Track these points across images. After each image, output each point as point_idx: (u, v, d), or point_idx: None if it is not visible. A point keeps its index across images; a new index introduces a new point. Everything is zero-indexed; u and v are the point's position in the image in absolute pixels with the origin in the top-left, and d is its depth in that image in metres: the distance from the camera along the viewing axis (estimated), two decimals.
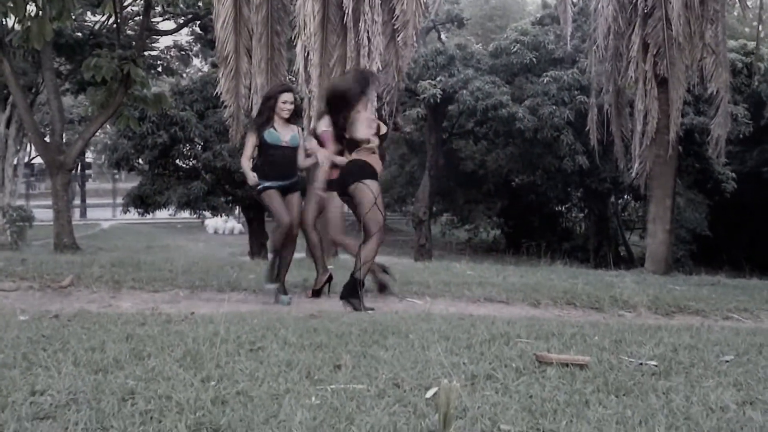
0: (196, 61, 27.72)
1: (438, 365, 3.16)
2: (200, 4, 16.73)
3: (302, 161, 6.10)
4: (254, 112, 9.53)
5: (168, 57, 23.52)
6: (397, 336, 3.87)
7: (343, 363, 3.18)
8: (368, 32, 9.09)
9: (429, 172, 22.21)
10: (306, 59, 9.31)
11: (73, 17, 14.47)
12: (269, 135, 5.94)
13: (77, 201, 37.88)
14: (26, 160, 29.62)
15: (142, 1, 16.30)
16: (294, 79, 10.66)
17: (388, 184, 24.63)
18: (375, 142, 5.76)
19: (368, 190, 5.62)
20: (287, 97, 6.03)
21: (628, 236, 25.81)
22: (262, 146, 5.98)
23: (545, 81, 20.03)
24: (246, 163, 6.10)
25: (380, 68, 9.06)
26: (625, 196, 25.49)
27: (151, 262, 7.73)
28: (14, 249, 15.57)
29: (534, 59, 20.65)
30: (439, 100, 19.88)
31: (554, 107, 19.62)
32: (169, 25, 21.34)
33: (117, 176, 41.41)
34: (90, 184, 47.36)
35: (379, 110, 6.86)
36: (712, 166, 20.18)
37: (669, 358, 3.49)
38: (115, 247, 20.34)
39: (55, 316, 4.51)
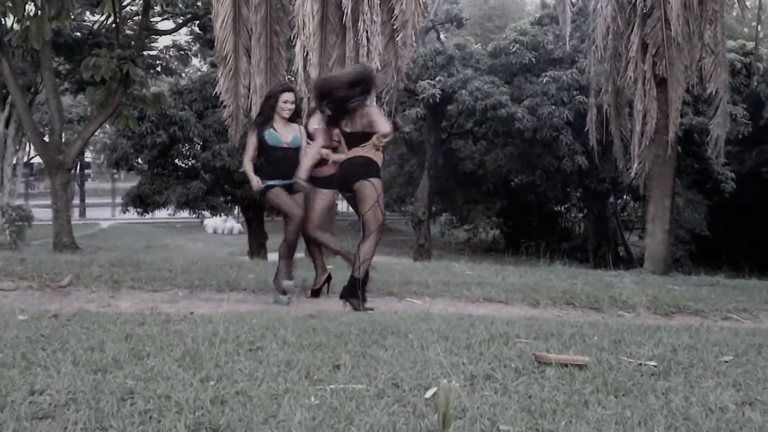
0: (195, 61, 27.70)
1: (437, 365, 3.16)
2: (199, 3, 16.71)
3: (304, 162, 6.06)
4: (254, 112, 9.55)
5: (167, 57, 23.49)
6: (397, 336, 3.87)
7: (342, 363, 3.18)
8: (367, 32, 9.08)
9: (428, 172, 22.20)
10: (305, 59, 9.29)
11: (72, 17, 14.45)
12: (269, 136, 5.92)
13: (76, 200, 37.85)
14: (25, 159, 29.63)
15: (141, 1, 16.29)
16: (293, 78, 10.65)
17: (387, 184, 24.61)
18: (390, 137, 5.78)
19: (373, 189, 5.61)
20: (288, 96, 6.01)
21: (627, 236, 25.82)
22: (263, 147, 5.96)
23: (544, 81, 20.03)
24: (248, 166, 6.06)
25: (379, 68, 9.05)
26: (624, 196, 25.50)
27: (150, 262, 7.73)
28: (13, 248, 15.57)
29: (533, 59, 20.64)
30: (438, 100, 19.88)
31: (553, 107, 19.63)
32: (168, 24, 21.35)
33: (116, 176, 41.40)
34: (89, 184, 47.35)
35: None
36: (711, 167, 20.19)
37: (668, 358, 3.49)
38: (114, 247, 20.35)
39: (54, 315, 4.50)
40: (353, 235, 6.13)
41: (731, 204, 21.47)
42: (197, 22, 20.38)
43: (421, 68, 20.54)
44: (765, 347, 3.91)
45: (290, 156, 5.93)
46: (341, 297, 5.67)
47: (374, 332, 3.96)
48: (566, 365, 3.22)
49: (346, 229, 19.73)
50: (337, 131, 5.92)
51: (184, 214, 21.93)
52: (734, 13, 23.14)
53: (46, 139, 15.13)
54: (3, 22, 13.66)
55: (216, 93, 10.28)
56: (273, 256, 10.59)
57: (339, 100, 5.58)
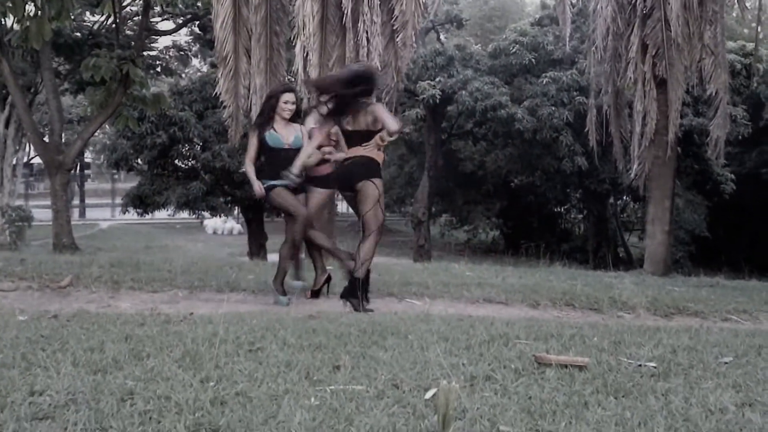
0: (195, 62, 27.72)
1: (437, 366, 3.16)
2: (199, 4, 16.71)
3: (307, 161, 6.04)
4: (253, 113, 9.55)
5: (167, 57, 23.50)
6: (396, 337, 3.87)
7: (342, 364, 3.18)
8: (367, 33, 9.08)
9: (428, 172, 22.21)
10: (305, 60, 9.29)
11: (72, 17, 14.45)
12: (270, 138, 5.89)
13: (76, 201, 37.84)
14: (25, 160, 29.64)
15: (141, 1, 16.29)
16: (293, 79, 10.65)
17: (387, 185, 24.60)
18: (396, 135, 5.76)
19: (375, 189, 5.61)
20: (289, 97, 5.98)
21: (627, 237, 25.82)
22: (264, 149, 5.92)
23: (544, 82, 20.04)
24: (250, 169, 6.02)
25: (379, 69, 9.05)
26: (624, 197, 25.50)
27: (150, 263, 7.73)
28: (13, 249, 15.56)
29: (533, 60, 20.66)
30: (438, 101, 19.88)
31: (553, 108, 19.64)
32: (168, 25, 21.36)
33: (116, 176, 41.42)
34: (89, 184, 47.37)
35: None
36: (711, 168, 20.19)
37: (668, 359, 3.49)
38: (114, 248, 20.34)
39: (54, 316, 4.50)
40: (353, 236, 6.12)
41: (731, 205, 21.47)
42: (197, 22, 20.38)
43: (421, 69, 20.55)
44: (765, 348, 3.91)
45: (292, 157, 5.86)
46: (342, 297, 5.67)
47: (374, 333, 3.96)
48: (566, 366, 3.22)
49: (346, 230, 19.75)
50: (334, 130, 5.89)
51: (184, 214, 21.93)
52: (734, 14, 23.14)
53: (46, 139, 15.13)
54: (3, 23, 13.66)
55: (216, 93, 10.28)
56: (273, 257, 10.59)
57: (338, 98, 5.56)
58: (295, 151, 5.91)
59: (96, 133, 20.60)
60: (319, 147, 6.03)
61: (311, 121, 6.11)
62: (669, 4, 10.82)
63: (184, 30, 22.07)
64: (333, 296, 6.07)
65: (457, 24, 25.47)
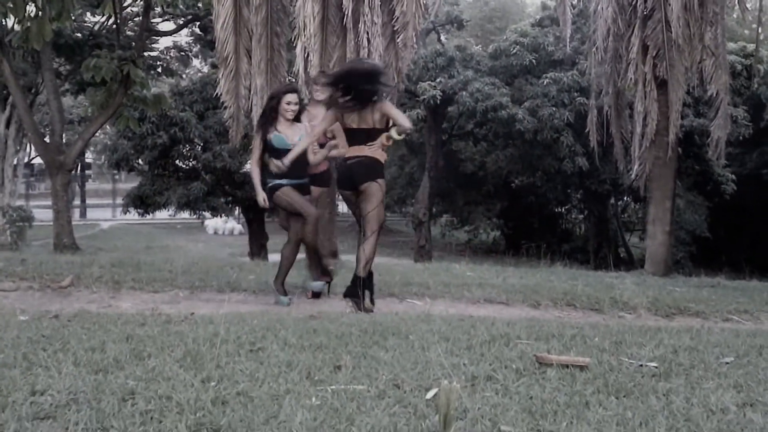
0: (195, 62, 27.76)
1: (438, 366, 3.16)
2: (200, 4, 16.71)
3: (312, 158, 6.04)
4: (254, 113, 9.55)
5: (168, 58, 23.52)
6: (398, 337, 3.87)
7: (343, 364, 3.18)
8: (368, 33, 9.08)
9: (429, 173, 22.22)
10: (306, 60, 9.29)
11: (73, 18, 14.46)
12: (276, 139, 5.85)
13: (77, 201, 37.85)
14: (26, 160, 29.64)
15: (141, 2, 16.30)
16: (294, 80, 10.66)
17: (388, 186, 24.56)
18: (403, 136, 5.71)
19: (379, 189, 5.57)
20: (291, 97, 5.93)
21: (627, 238, 25.82)
22: (270, 150, 5.86)
23: (545, 82, 20.05)
24: (256, 174, 5.98)
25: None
26: (625, 198, 25.51)
27: (150, 263, 7.73)
28: (14, 249, 15.55)
29: (533, 61, 20.67)
30: (438, 102, 19.89)
31: (554, 109, 19.64)
32: (168, 25, 21.35)
33: (117, 177, 41.44)
34: (90, 185, 47.37)
35: None
36: (711, 168, 20.19)
37: (669, 359, 3.49)
38: (115, 248, 20.34)
39: (55, 316, 4.51)
40: (353, 236, 6.11)
41: (732, 205, 21.48)
42: (198, 23, 20.40)
43: (421, 70, 20.56)
44: (766, 348, 3.91)
45: (299, 156, 5.79)
46: (345, 296, 5.65)
47: (375, 333, 3.96)
48: (567, 366, 3.22)
49: (346, 230, 19.76)
50: (332, 127, 5.83)
51: (185, 214, 21.94)
52: (735, 15, 23.14)
53: (47, 139, 15.13)
54: (4, 23, 13.67)
55: (217, 94, 10.28)
56: (274, 257, 10.59)
57: (359, 91, 5.43)
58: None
59: (97, 134, 20.64)
60: (322, 145, 6.02)
61: (313, 115, 6.10)
62: (669, 5, 10.82)
63: (185, 31, 22.12)
64: (334, 296, 6.07)
65: (457, 25, 25.49)
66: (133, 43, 15.79)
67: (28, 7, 11.70)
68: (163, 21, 21.03)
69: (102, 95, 14.28)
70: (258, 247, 19.38)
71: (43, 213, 23.27)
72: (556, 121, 19.61)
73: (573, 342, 3.89)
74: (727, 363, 3.50)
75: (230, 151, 17.91)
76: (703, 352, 3.71)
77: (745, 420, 2.61)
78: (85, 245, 16.84)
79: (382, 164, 5.62)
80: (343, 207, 15.64)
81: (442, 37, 28.41)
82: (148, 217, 22.35)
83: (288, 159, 5.66)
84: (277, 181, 5.85)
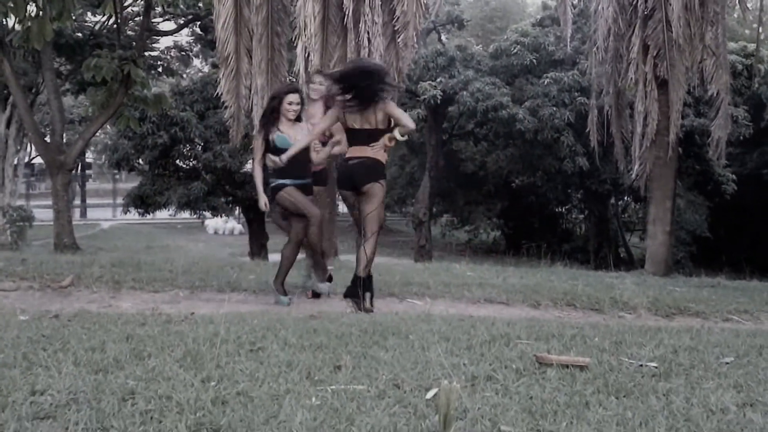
0: (196, 62, 27.74)
1: (438, 366, 3.16)
2: (201, 4, 16.72)
3: (315, 156, 6.02)
4: (254, 113, 9.56)
5: (168, 57, 23.51)
6: (398, 337, 3.87)
7: (343, 364, 3.18)
8: (368, 33, 9.09)
9: (429, 173, 22.22)
10: (306, 60, 9.30)
11: (74, 17, 14.45)
12: (279, 139, 5.82)
13: (77, 201, 37.86)
14: (26, 160, 29.62)
15: (142, 2, 16.30)
16: (294, 79, 10.66)
17: (388, 186, 24.58)
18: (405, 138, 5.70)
19: (381, 189, 5.57)
20: (293, 97, 5.91)
21: (628, 238, 25.82)
22: (273, 151, 5.81)
23: (545, 82, 20.05)
24: (258, 176, 5.95)
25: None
26: (625, 198, 25.50)
27: (151, 263, 7.73)
28: (14, 249, 15.56)
29: (534, 61, 20.67)
30: (439, 102, 19.90)
31: (554, 108, 19.64)
32: (169, 25, 21.35)
33: (117, 176, 41.46)
34: (90, 185, 47.38)
35: None
36: (712, 168, 20.19)
37: (669, 359, 3.49)
38: (115, 248, 20.36)
39: (55, 316, 4.51)
40: (354, 236, 6.10)
41: (732, 205, 21.48)
42: (198, 22, 20.39)
43: (422, 69, 20.56)
44: (766, 348, 3.91)
45: (300, 157, 5.78)
46: (345, 296, 5.65)
47: (375, 333, 3.96)
48: (567, 366, 3.22)
49: (346, 230, 19.75)
50: (334, 126, 5.82)
51: (185, 214, 21.94)
52: (735, 15, 23.14)
53: (48, 139, 15.13)
54: (4, 23, 13.67)
55: (217, 94, 10.29)
56: (274, 257, 10.59)
57: (360, 90, 5.39)
58: (305, 149, 5.82)
59: (97, 134, 20.64)
60: (323, 143, 6.01)
61: (310, 114, 6.09)
62: (670, 4, 10.82)
63: (186, 30, 22.10)
64: (334, 296, 6.07)
65: (458, 25, 25.49)
66: (134, 43, 15.79)
67: (28, 7, 11.70)
68: (163, 21, 21.04)
69: (102, 95, 14.28)
70: (258, 247, 19.39)
71: (43, 213, 23.28)
72: (556, 121, 19.61)
73: (573, 342, 3.89)
74: (727, 363, 3.50)
75: (231, 150, 17.91)
76: (703, 352, 3.71)
77: (745, 420, 2.61)
78: (86, 245, 16.84)
79: (383, 165, 5.59)
80: (343, 207, 15.62)
81: (443, 37, 28.41)
82: (148, 216, 22.34)
83: (285, 156, 5.65)
84: (281, 181, 5.83)
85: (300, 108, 5.95)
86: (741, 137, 19.09)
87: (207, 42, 20.61)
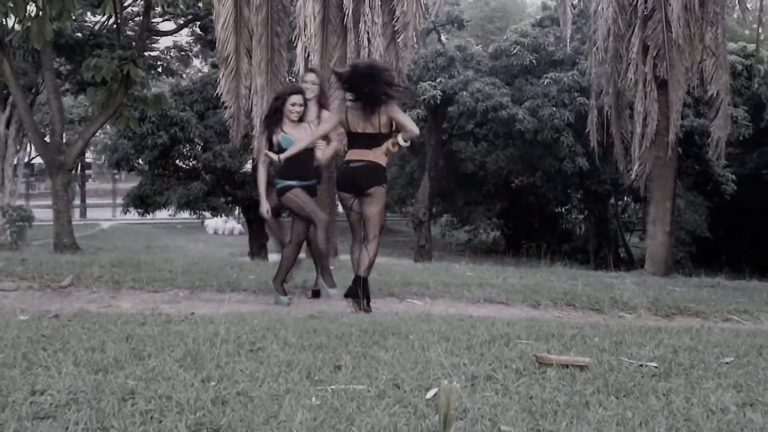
0: (196, 62, 27.75)
1: (438, 366, 3.16)
2: (200, 4, 16.72)
3: (320, 154, 6.00)
4: (254, 113, 9.56)
5: (168, 57, 23.51)
6: (398, 337, 3.87)
7: (343, 364, 3.18)
8: (368, 33, 9.08)
9: (429, 173, 22.22)
10: (306, 60, 9.30)
11: (73, 17, 14.46)
12: (284, 140, 5.80)
13: (77, 201, 37.86)
14: (26, 160, 29.63)
15: (142, 2, 16.30)
16: (294, 80, 10.66)
17: (387, 186, 24.58)
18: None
19: (383, 192, 5.57)
20: (296, 99, 5.90)
21: (628, 238, 25.82)
22: (277, 152, 5.79)
23: (545, 83, 20.05)
24: (262, 180, 5.94)
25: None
26: (625, 198, 25.51)
27: (150, 263, 7.73)
28: (14, 249, 15.56)
29: (534, 61, 20.67)
30: (439, 102, 19.90)
31: (554, 109, 19.64)
32: (169, 25, 21.34)
33: (117, 176, 41.45)
34: (90, 185, 47.38)
35: None
36: (712, 168, 20.20)
37: (669, 359, 3.49)
38: (115, 248, 20.34)
39: (55, 316, 4.51)
40: (351, 237, 6.09)
41: (732, 206, 21.48)
42: (198, 23, 20.39)
43: (422, 70, 20.57)
44: (766, 348, 3.91)
45: (303, 157, 5.79)
46: (345, 296, 5.65)
47: (375, 333, 3.96)
48: (567, 366, 3.22)
49: (346, 230, 19.73)
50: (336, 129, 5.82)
51: (185, 214, 21.94)
52: (735, 15, 23.16)
53: (47, 139, 15.13)
54: (4, 23, 13.67)
55: (217, 94, 10.28)
56: (274, 257, 10.59)
57: (362, 92, 5.35)
58: (307, 150, 5.82)
59: (97, 134, 20.63)
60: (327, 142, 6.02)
61: (309, 113, 6.09)
62: (670, 5, 10.82)
63: (186, 30, 22.09)
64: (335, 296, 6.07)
65: (458, 25, 25.49)
66: (134, 43, 15.79)
67: (28, 7, 11.70)
68: (163, 21, 21.03)
69: (102, 95, 14.28)
70: (258, 247, 19.37)
71: (43, 213, 23.28)
72: (556, 121, 19.61)
73: (573, 342, 3.89)
74: (727, 363, 3.50)
75: (230, 150, 17.91)
76: (703, 352, 3.71)
77: (745, 420, 2.61)
78: (85, 245, 16.84)
79: (384, 168, 5.59)
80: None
81: (443, 37, 28.43)
82: (148, 216, 22.35)
83: (284, 156, 5.65)
84: (288, 182, 5.81)
85: (303, 109, 5.94)
86: (741, 137, 19.10)
87: (207, 42, 20.60)
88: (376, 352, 3.47)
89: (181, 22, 20.45)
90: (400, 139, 5.43)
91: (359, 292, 5.46)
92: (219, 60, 10.25)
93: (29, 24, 11.62)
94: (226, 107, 10.13)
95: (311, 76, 6.35)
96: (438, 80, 20.21)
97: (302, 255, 6.52)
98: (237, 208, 23.03)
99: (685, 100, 12.57)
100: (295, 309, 5.57)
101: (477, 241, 28.31)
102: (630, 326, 4.85)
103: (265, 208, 5.95)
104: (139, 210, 20.36)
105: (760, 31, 19.00)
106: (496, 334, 3.98)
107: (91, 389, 2.70)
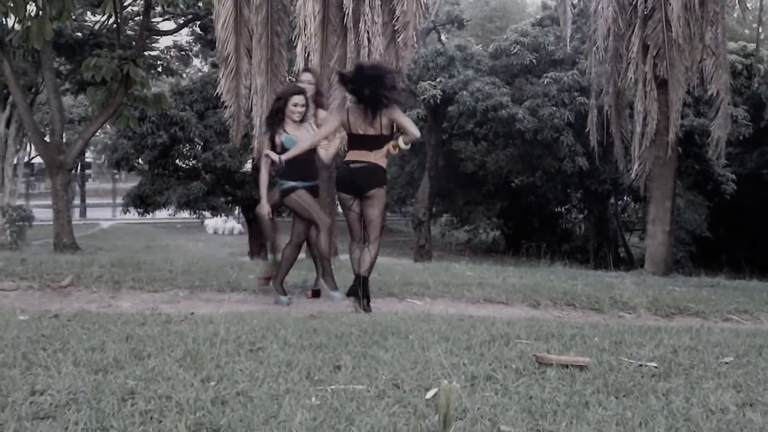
0: (196, 62, 27.73)
1: (438, 366, 3.16)
2: (200, 4, 16.71)
3: (323, 153, 6.00)
4: (254, 113, 9.55)
5: (168, 57, 23.50)
6: (397, 337, 3.87)
7: (343, 364, 3.18)
8: (368, 33, 9.08)
9: (429, 173, 22.21)
10: (306, 60, 9.30)
11: (73, 17, 14.45)
12: (287, 140, 5.79)
13: (77, 201, 37.84)
14: (26, 159, 29.61)
15: (142, 2, 16.30)
16: (294, 80, 10.66)
17: (387, 186, 24.59)
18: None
19: (383, 194, 5.58)
20: (298, 99, 5.89)
21: (627, 237, 25.81)
22: (280, 152, 5.78)
23: (545, 82, 20.04)
24: (264, 181, 5.92)
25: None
26: (625, 198, 25.49)
27: (150, 262, 7.73)
28: (14, 249, 15.55)
29: (534, 60, 20.66)
30: (439, 101, 19.89)
31: (554, 108, 19.63)
32: (169, 25, 21.33)
33: (117, 176, 41.44)
34: (90, 184, 47.36)
35: None
36: (711, 168, 20.18)
37: (669, 359, 3.49)
38: (115, 247, 20.33)
39: (55, 315, 4.51)
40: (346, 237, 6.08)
41: (732, 205, 21.47)
42: (198, 22, 20.38)
43: (422, 69, 20.55)
44: (765, 348, 3.91)
45: (305, 158, 5.79)
46: (347, 295, 5.65)
47: (375, 333, 3.96)
48: (567, 366, 3.22)
49: (346, 230, 19.73)
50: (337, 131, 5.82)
51: (185, 214, 21.94)
52: (735, 15, 23.14)
53: (47, 139, 15.13)
54: (4, 23, 13.67)
55: (217, 93, 10.28)
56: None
57: (363, 95, 5.34)
58: (311, 151, 5.82)
59: (97, 133, 20.63)
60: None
61: (323, 113, 6.09)
62: (670, 4, 10.81)
63: (185, 30, 22.07)
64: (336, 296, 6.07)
65: (458, 24, 25.47)
66: (134, 43, 15.79)
67: (28, 7, 11.70)
68: (163, 20, 21.02)
69: (102, 95, 14.27)
70: (258, 246, 19.34)
71: (43, 212, 23.27)
72: (556, 121, 19.60)
73: (573, 342, 3.89)
74: (727, 363, 3.50)
75: (230, 150, 17.91)
76: (702, 352, 3.71)
77: (745, 420, 2.61)
78: (85, 245, 16.83)
79: (385, 170, 5.60)
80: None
81: (443, 37, 28.40)
82: (148, 216, 22.34)
83: (285, 157, 5.65)
84: (292, 183, 5.81)
85: (305, 109, 5.94)
86: (741, 137, 19.08)
87: (207, 42, 20.60)
88: (375, 352, 3.47)
89: (181, 21, 20.44)
90: (401, 141, 5.42)
91: (359, 291, 5.47)
92: (219, 60, 10.24)
93: (29, 24, 11.61)
94: (226, 107, 10.13)
95: (307, 76, 6.35)
96: (438, 80, 20.21)
97: (300, 255, 6.50)
98: (237, 207, 23.03)
99: (685, 99, 12.56)
100: (295, 309, 5.58)
101: (477, 241, 28.30)
102: (630, 326, 4.85)
103: (266, 210, 5.95)
104: (138, 210, 20.36)
105: (760, 30, 18.98)
106: (496, 334, 3.98)
107: (90, 389, 2.70)
